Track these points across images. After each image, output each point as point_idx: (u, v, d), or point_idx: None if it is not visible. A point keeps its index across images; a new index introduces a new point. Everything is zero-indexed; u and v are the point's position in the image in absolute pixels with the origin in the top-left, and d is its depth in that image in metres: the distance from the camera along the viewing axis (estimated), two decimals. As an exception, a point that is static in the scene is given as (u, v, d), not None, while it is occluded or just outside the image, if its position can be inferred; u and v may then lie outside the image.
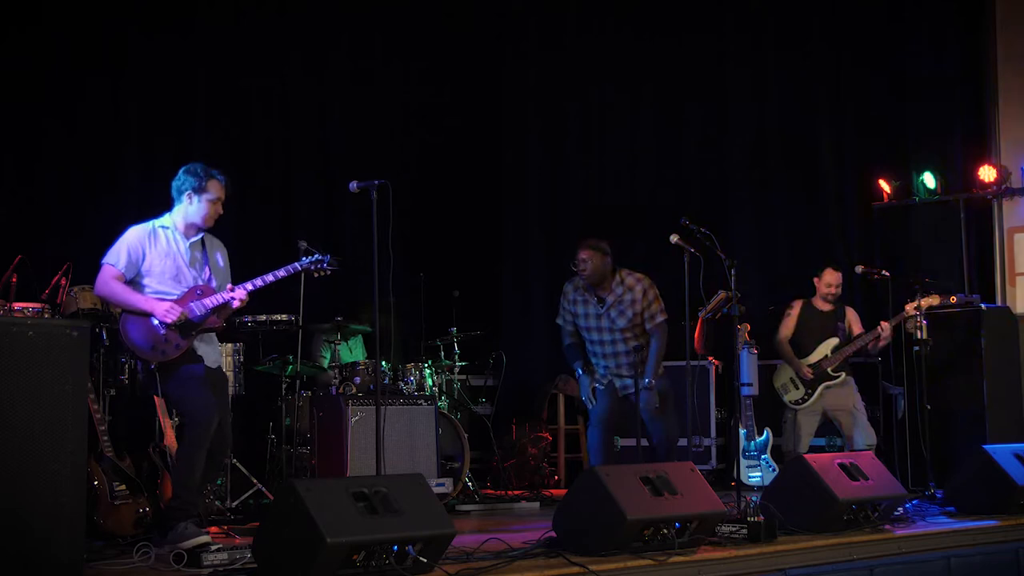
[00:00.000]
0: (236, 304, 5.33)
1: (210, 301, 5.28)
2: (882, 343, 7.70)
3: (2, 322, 4.32)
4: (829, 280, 7.80)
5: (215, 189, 5.33)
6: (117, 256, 5.22)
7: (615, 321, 6.56)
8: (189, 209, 5.33)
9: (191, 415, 5.18)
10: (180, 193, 5.34)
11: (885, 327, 7.59)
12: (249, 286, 5.33)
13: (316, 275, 5.62)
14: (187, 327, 5.21)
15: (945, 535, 5.76)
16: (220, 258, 5.52)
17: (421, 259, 8.87)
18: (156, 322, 5.17)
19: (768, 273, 9.92)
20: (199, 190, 5.31)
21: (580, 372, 6.72)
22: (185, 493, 5.10)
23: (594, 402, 6.67)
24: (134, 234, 5.28)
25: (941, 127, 10.02)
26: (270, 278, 5.40)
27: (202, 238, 5.43)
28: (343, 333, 7.68)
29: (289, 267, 5.49)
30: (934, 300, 7.62)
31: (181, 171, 5.36)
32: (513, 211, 10.18)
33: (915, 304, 7.59)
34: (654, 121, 10.36)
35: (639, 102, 10.38)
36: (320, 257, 5.56)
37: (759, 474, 7.97)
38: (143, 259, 5.25)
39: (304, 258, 5.58)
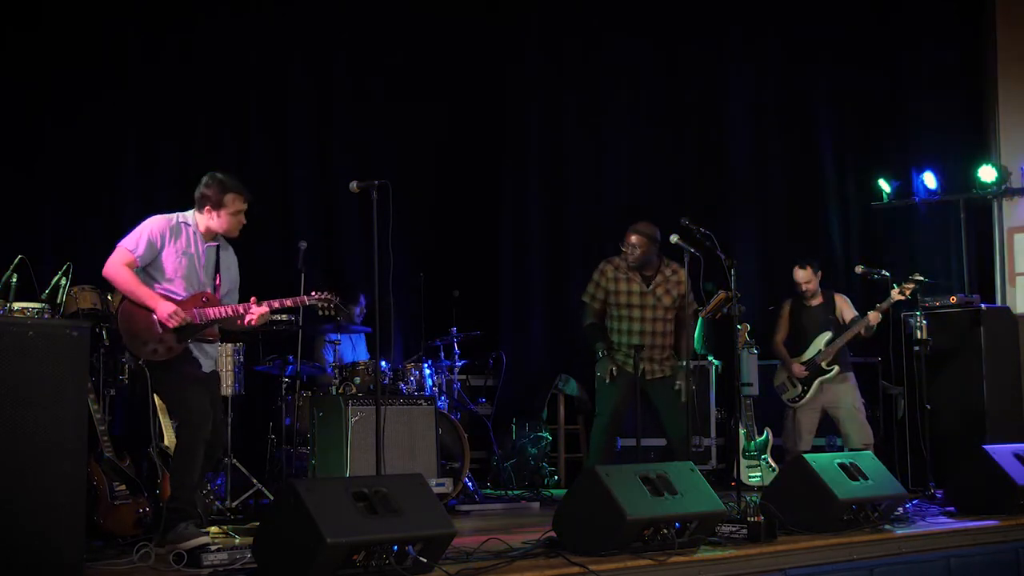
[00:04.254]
0: (254, 321, 5.28)
1: (213, 312, 5.25)
2: (871, 324, 7.66)
3: (2, 322, 4.32)
4: (797, 278, 7.80)
5: (234, 203, 5.30)
6: (136, 242, 5.18)
7: (661, 299, 6.62)
8: (210, 222, 5.31)
9: (187, 417, 5.17)
10: (201, 205, 5.32)
11: (872, 316, 7.57)
12: (276, 303, 5.32)
13: (321, 312, 5.57)
14: (185, 332, 5.20)
15: (945, 535, 5.76)
16: (232, 267, 5.51)
17: (421, 259, 8.87)
18: (156, 318, 5.16)
19: (768, 273, 9.92)
20: (218, 206, 5.29)
21: (602, 353, 6.67)
22: (184, 493, 5.10)
23: (614, 377, 6.61)
24: (156, 224, 5.24)
25: (941, 127, 10.02)
26: (276, 304, 5.36)
27: (218, 244, 5.41)
28: (344, 332, 7.69)
29: (298, 299, 5.49)
30: (909, 287, 7.57)
31: (202, 182, 5.32)
32: (513, 211, 10.17)
33: (899, 290, 7.56)
34: (654, 121, 10.36)
35: (639, 102, 10.39)
36: (329, 296, 5.53)
37: (759, 474, 7.97)
38: (161, 248, 5.22)
39: (314, 293, 5.54)
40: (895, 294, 7.56)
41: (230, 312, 5.27)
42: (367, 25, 9.39)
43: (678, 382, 6.63)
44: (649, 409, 6.72)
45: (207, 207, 5.30)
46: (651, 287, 6.64)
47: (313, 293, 5.55)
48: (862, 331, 7.64)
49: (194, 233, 5.32)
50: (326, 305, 5.52)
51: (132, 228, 5.29)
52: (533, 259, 10.03)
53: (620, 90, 10.35)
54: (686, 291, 6.67)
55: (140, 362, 5.16)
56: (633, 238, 6.61)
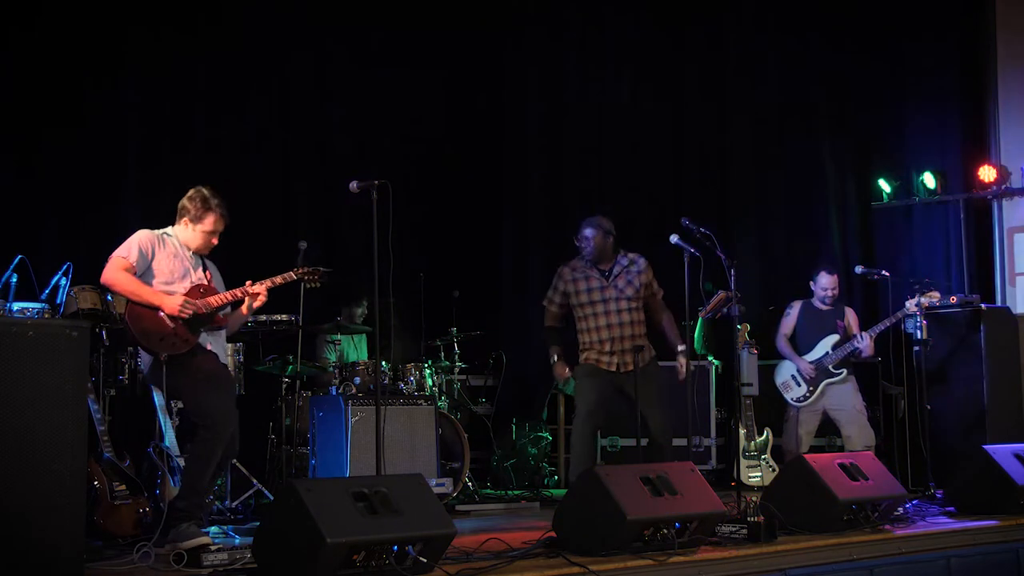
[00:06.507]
0: (259, 303, 5.42)
1: (216, 300, 5.36)
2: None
3: (2, 322, 4.32)
4: (824, 284, 7.79)
5: (211, 223, 5.44)
6: (128, 250, 5.30)
7: (623, 290, 6.59)
8: (186, 233, 5.46)
9: (210, 418, 5.18)
10: (180, 216, 5.48)
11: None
12: (269, 283, 5.44)
13: (307, 285, 5.69)
14: (194, 323, 5.26)
15: (945, 535, 5.76)
16: (216, 273, 5.63)
17: (421, 259, 8.87)
18: (163, 315, 5.20)
19: (768, 273, 9.92)
20: (195, 220, 5.44)
21: (556, 358, 6.68)
22: (193, 495, 5.11)
23: (567, 378, 6.64)
24: (144, 234, 5.38)
25: (941, 127, 10.03)
26: (268, 283, 5.48)
27: (201, 256, 5.56)
28: (344, 332, 7.69)
29: (287, 275, 5.59)
30: (934, 296, 7.61)
31: (187, 194, 5.47)
32: (513, 211, 10.17)
33: (915, 301, 7.58)
34: (654, 122, 10.36)
35: (639, 103, 10.38)
36: (311, 270, 5.68)
37: (759, 474, 7.96)
38: (152, 257, 5.33)
39: (299, 269, 5.67)
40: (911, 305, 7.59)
41: (230, 297, 5.40)
42: (367, 23, 9.38)
43: (679, 360, 6.57)
44: (627, 405, 6.67)
45: (185, 219, 5.45)
46: (610, 279, 6.63)
47: (298, 269, 5.66)
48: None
49: (176, 241, 5.46)
50: (310, 278, 5.66)
51: (132, 229, 5.41)
52: (533, 259, 10.02)
53: (620, 91, 10.34)
54: (649, 279, 6.66)
55: (163, 357, 5.19)
56: (586, 231, 6.63)
